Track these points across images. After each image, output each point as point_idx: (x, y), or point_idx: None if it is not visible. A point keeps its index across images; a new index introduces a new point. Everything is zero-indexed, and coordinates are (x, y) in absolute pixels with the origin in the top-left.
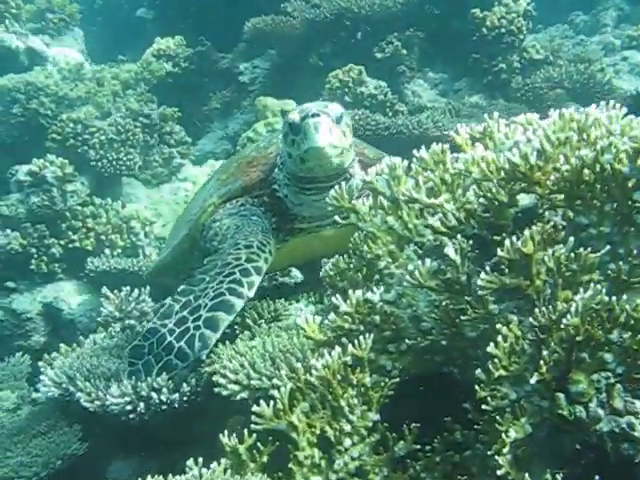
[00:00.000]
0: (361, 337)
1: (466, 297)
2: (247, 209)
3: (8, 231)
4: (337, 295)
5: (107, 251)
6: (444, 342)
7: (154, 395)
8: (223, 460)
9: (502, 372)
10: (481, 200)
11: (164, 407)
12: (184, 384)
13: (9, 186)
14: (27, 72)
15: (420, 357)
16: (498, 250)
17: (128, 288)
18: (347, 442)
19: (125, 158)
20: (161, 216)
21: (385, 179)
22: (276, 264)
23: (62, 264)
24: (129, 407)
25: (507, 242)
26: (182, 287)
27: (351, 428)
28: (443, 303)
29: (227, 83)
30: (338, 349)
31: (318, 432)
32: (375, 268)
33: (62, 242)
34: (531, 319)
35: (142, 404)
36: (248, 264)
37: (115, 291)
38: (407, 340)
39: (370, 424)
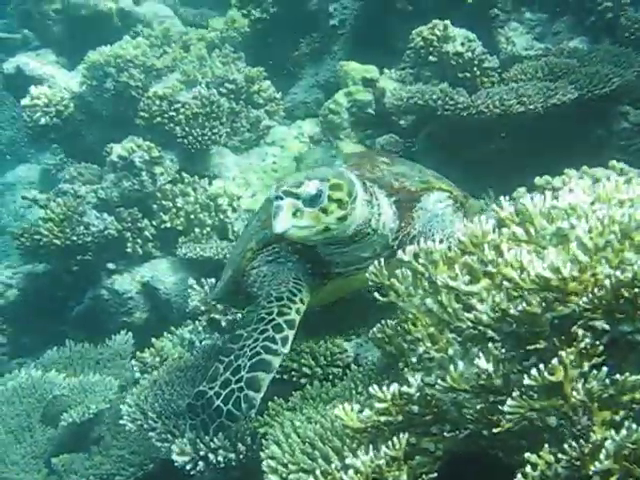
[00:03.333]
0: (395, 438)
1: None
2: (282, 256)
3: (105, 215)
4: (375, 386)
5: (197, 230)
6: (485, 432)
7: (211, 456)
8: None
9: None
10: (515, 308)
11: (222, 466)
12: (239, 444)
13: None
14: (120, 38)
15: (464, 440)
16: (525, 378)
17: (213, 281)
18: None
19: (210, 133)
20: (249, 186)
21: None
22: (317, 303)
23: (156, 243)
24: (189, 466)
25: (534, 371)
26: (225, 346)
27: None
28: (478, 406)
29: (316, 26)
30: (370, 453)
31: None
32: (415, 352)
33: (154, 223)
34: (561, 455)
35: (201, 463)
36: (280, 318)
37: (202, 280)
38: (449, 424)
39: None
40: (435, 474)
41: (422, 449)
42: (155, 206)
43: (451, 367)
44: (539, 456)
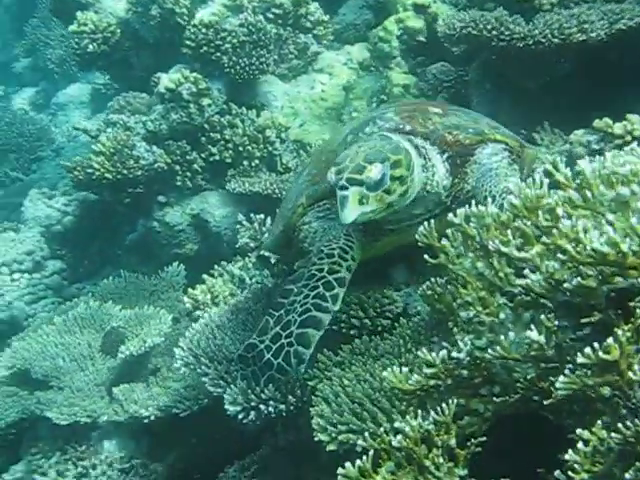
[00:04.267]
0: (443, 404)
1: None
2: (333, 212)
3: (154, 148)
4: (424, 349)
5: (245, 162)
6: (536, 397)
7: (262, 407)
8: None
9: (584, 475)
10: (570, 282)
11: (273, 416)
12: (289, 396)
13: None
14: None
15: (514, 402)
16: (579, 356)
17: (262, 216)
18: None
19: (258, 62)
20: (298, 115)
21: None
22: (367, 257)
23: (205, 176)
24: (241, 415)
25: (587, 350)
26: (275, 300)
27: None
28: (529, 375)
29: None
30: (419, 418)
31: None
32: (465, 315)
33: (203, 155)
34: (614, 434)
35: (253, 412)
36: (330, 276)
37: (252, 216)
38: (499, 387)
39: (457, 479)
40: (483, 435)
41: (471, 410)
42: (203, 139)
43: (502, 337)
44: (592, 432)
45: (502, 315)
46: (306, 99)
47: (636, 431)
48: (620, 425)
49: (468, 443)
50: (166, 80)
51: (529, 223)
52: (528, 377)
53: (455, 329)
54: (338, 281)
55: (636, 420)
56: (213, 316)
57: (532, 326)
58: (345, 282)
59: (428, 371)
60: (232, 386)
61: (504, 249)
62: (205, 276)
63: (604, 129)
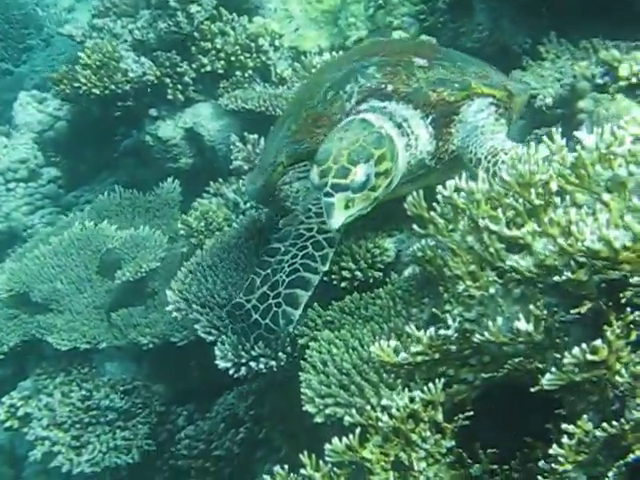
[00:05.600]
0: (430, 384)
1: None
2: None
3: (143, 59)
4: (411, 325)
5: (238, 73)
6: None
7: (252, 363)
8: None
9: (568, 467)
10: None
11: (264, 371)
12: (280, 352)
13: None
14: None
15: (503, 374)
16: (566, 356)
17: (255, 137)
18: (422, 465)
19: None
20: (292, 19)
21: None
22: None
23: (197, 87)
24: (231, 371)
25: (575, 350)
26: (261, 258)
27: (425, 454)
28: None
29: None
30: (405, 398)
31: (392, 459)
32: (453, 292)
33: (194, 66)
34: (599, 431)
35: (244, 368)
36: (320, 235)
37: (245, 135)
38: (489, 357)
39: (444, 450)
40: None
41: (460, 379)
42: (194, 48)
43: (490, 322)
44: (577, 425)
45: (492, 290)
46: (301, 1)
47: (622, 429)
48: (605, 424)
49: (455, 417)
50: None
51: (521, 200)
52: (517, 359)
53: (445, 295)
54: (328, 241)
55: (622, 420)
56: (204, 254)
57: (520, 315)
58: (334, 242)
59: (415, 349)
60: (223, 338)
61: (494, 227)
62: (199, 200)
63: (610, 62)
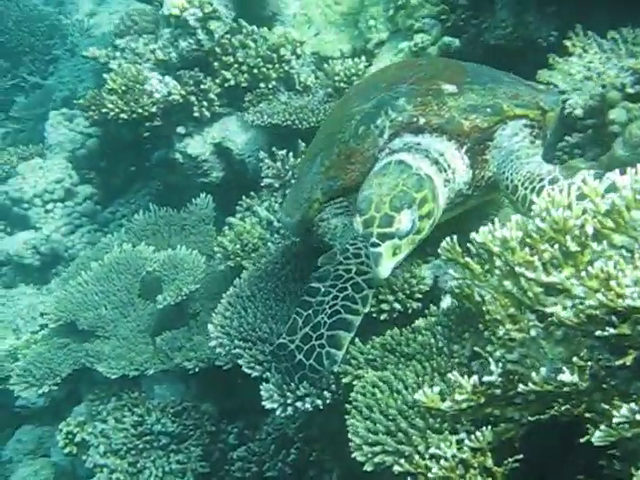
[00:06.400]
0: (478, 432)
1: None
2: (352, 210)
3: (167, 79)
4: (454, 372)
5: (262, 85)
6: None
7: (299, 404)
8: None
9: None
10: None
11: (310, 410)
12: (325, 392)
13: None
14: None
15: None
16: (616, 415)
17: (284, 152)
18: None
19: None
20: (312, 23)
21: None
22: None
23: (222, 101)
24: (278, 411)
25: (624, 410)
26: (302, 298)
27: None
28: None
29: None
30: (453, 448)
31: None
32: (493, 334)
33: (218, 81)
34: None
35: (290, 408)
36: (359, 277)
37: (274, 151)
38: (534, 395)
39: None
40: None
41: (507, 417)
42: (216, 64)
43: (533, 374)
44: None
45: (533, 332)
46: (319, 4)
47: None
48: None
49: (505, 461)
50: (169, 4)
51: (557, 246)
52: (562, 406)
53: (486, 332)
54: (367, 282)
55: None
56: (242, 284)
57: (564, 368)
58: (374, 283)
59: (460, 397)
60: (268, 375)
61: (531, 275)
62: (232, 219)
63: None
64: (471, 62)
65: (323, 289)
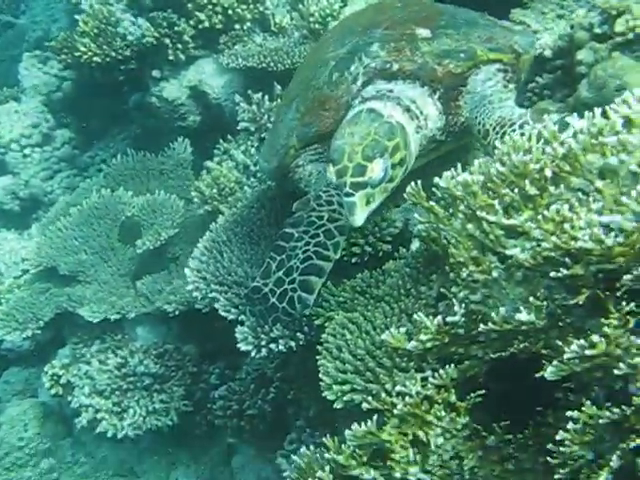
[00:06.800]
0: (441, 370)
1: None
2: (326, 156)
3: (140, 21)
4: (419, 313)
5: (237, 26)
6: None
7: (272, 345)
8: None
9: (575, 447)
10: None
11: (284, 352)
12: (298, 333)
13: None
14: None
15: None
16: (566, 350)
17: (259, 96)
18: (439, 440)
19: None
20: None
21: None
22: None
23: (197, 43)
24: (253, 352)
25: (574, 346)
26: (276, 242)
27: (441, 430)
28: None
29: None
30: (418, 385)
31: (410, 437)
32: (457, 276)
33: (192, 23)
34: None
35: (264, 350)
36: (331, 224)
37: (250, 94)
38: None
39: (460, 426)
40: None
41: (470, 355)
42: (190, 5)
43: (493, 314)
44: (581, 411)
45: (495, 273)
46: None
47: (624, 414)
48: (607, 412)
49: (467, 397)
50: None
51: (517, 190)
52: (521, 343)
53: (452, 274)
54: (339, 229)
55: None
56: (219, 229)
57: (521, 308)
58: (345, 230)
59: (424, 337)
60: (242, 318)
61: (492, 218)
62: (209, 163)
63: (608, 11)
64: (448, 2)
65: (296, 235)
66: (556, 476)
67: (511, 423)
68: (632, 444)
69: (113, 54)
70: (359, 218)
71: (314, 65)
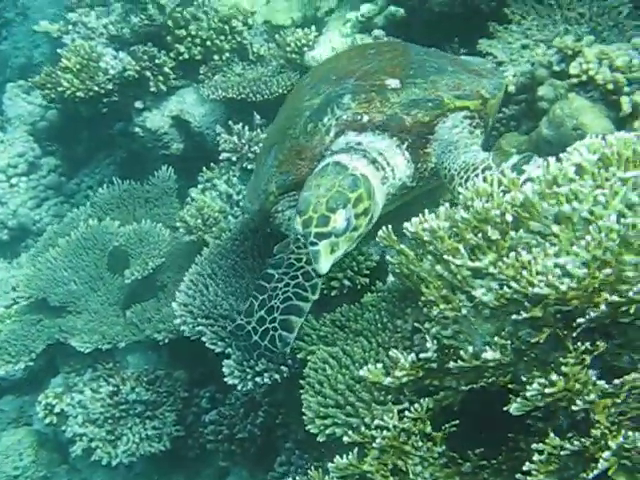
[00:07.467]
0: (416, 404)
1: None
2: None
3: (121, 54)
4: (394, 350)
5: (216, 57)
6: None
7: (258, 379)
8: None
9: (541, 477)
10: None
11: (269, 384)
12: (282, 367)
13: None
14: None
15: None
16: (528, 389)
17: (240, 127)
18: (418, 469)
19: None
20: None
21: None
22: None
23: (178, 73)
24: (239, 386)
25: (535, 385)
26: (258, 282)
27: (419, 459)
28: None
29: None
30: (395, 419)
31: (390, 467)
32: (429, 313)
33: (172, 55)
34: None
35: (250, 383)
36: (309, 266)
37: (231, 125)
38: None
39: (436, 455)
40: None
41: (445, 386)
42: (169, 38)
43: (461, 352)
44: (545, 443)
45: (464, 311)
46: None
47: (584, 446)
48: (567, 444)
49: (443, 426)
50: None
51: (480, 235)
52: (490, 378)
53: (425, 309)
54: (316, 271)
55: (583, 439)
56: (204, 262)
57: (487, 348)
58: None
59: (399, 374)
60: (229, 351)
61: (458, 261)
62: (194, 193)
63: (564, 51)
64: (418, 40)
65: (277, 276)
66: None
67: (485, 449)
68: (591, 474)
69: (96, 88)
70: (324, 266)
71: (291, 113)
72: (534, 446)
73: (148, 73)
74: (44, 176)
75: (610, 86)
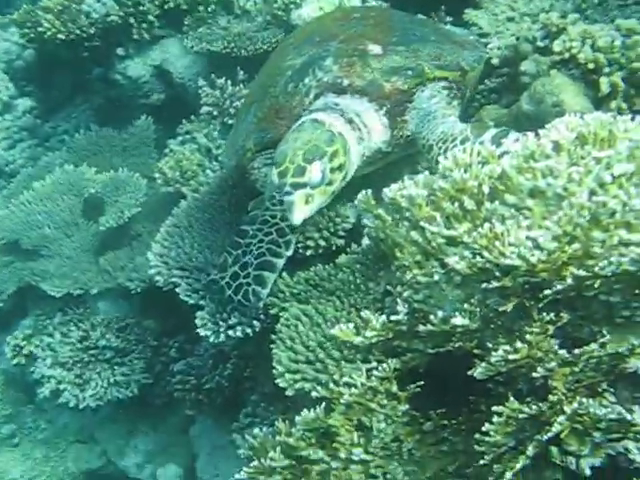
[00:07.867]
0: (384, 364)
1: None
2: None
3: None
4: (366, 311)
5: (201, 7)
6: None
7: (230, 332)
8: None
9: (498, 437)
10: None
11: (241, 337)
12: (254, 321)
13: None
14: None
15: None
16: (493, 354)
17: (222, 81)
18: (381, 425)
19: None
20: None
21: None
22: None
23: (162, 22)
24: (211, 338)
25: (500, 351)
26: (233, 238)
27: (384, 417)
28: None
29: None
30: (363, 377)
31: (355, 422)
32: (402, 277)
33: (157, 3)
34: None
35: (222, 335)
36: (283, 223)
37: (213, 78)
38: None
39: (400, 413)
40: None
41: (413, 348)
42: None
43: (431, 316)
44: (504, 406)
45: (436, 277)
46: None
47: (540, 410)
48: (525, 407)
49: (408, 387)
50: None
51: (457, 204)
52: (457, 343)
53: (398, 273)
54: (290, 227)
55: (541, 404)
56: (181, 214)
57: (456, 314)
58: (297, 228)
59: (370, 334)
60: (202, 303)
61: (434, 229)
62: (172, 145)
63: (549, 27)
64: (406, 7)
65: (251, 232)
66: (481, 461)
67: (447, 410)
68: (545, 436)
69: (77, 32)
70: (298, 216)
71: (273, 71)
72: (494, 409)
73: (132, 20)
74: (19, 117)
75: (591, 65)
